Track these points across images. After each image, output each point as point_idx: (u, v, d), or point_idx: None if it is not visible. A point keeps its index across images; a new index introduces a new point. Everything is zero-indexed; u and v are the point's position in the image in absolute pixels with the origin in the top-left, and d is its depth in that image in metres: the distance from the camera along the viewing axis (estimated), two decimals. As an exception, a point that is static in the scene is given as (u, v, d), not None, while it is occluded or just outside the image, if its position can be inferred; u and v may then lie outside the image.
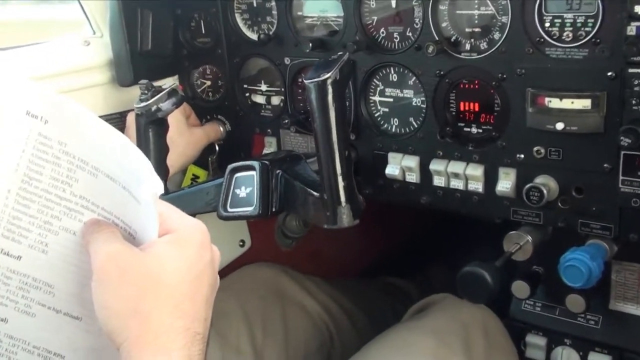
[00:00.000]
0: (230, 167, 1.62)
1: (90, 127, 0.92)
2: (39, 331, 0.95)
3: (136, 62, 1.79)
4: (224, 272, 2.13)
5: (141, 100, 1.67)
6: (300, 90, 1.79)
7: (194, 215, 1.69)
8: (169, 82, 1.77)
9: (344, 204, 1.47)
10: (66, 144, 0.91)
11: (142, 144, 1.64)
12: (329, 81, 1.43)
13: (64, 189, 0.92)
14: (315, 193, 1.51)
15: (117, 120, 1.83)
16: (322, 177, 1.48)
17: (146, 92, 1.68)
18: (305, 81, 1.46)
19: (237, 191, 1.59)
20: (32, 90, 0.90)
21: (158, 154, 1.68)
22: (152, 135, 1.68)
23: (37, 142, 0.91)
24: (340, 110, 1.45)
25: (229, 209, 1.59)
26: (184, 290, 0.88)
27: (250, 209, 1.57)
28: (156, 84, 1.68)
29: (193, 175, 1.98)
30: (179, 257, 0.89)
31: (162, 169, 1.67)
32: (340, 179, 1.47)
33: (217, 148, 1.97)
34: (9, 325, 0.95)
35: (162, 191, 0.91)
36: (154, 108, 1.65)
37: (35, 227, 0.92)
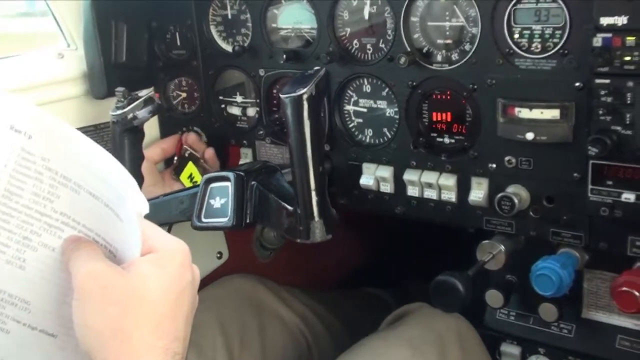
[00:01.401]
0: (205, 177, 1.62)
1: (75, 143, 0.91)
2: (12, 347, 0.94)
3: (110, 74, 1.78)
4: (201, 284, 2.10)
5: (117, 108, 1.68)
6: (275, 102, 1.80)
7: (168, 224, 1.71)
8: (145, 91, 1.77)
9: (317, 218, 1.48)
10: (49, 159, 0.91)
11: (117, 151, 1.64)
12: (305, 96, 1.44)
13: (45, 204, 0.91)
14: (289, 207, 1.51)
15: (92, 132, 1.82)
16: (295, 192, 1.49)
17: (122, 99, 1.68)
18: (281, 96, 1.47)
19: (212, 202, 1.59)
20: (16, 105, 0.89)
21: (133, 162, 1.68)
22: (127, 143, 1.68)
23: (19, 157, 0.90)
24: (315, 125, 1.47)
25: (203, 220, 1.59)
26: (165, 310, 0.88)
27: (224, 219, 1.57)
28: (133, 92, 1.69)
29: (190, 174, 1.96)
30: (161, 277, 0.88)
31: (136, 177, 1.66)
32: (313, 194, 1.48)
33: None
34: None
35: (146, 211, 0.91)
36: (130, 116, 1.65)
37: (14, 243, 0.91)
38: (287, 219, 1.52)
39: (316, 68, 1.60)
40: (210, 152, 1.91)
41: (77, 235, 0.93)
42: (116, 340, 0.84)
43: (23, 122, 0.89)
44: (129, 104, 1.67)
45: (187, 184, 1.91)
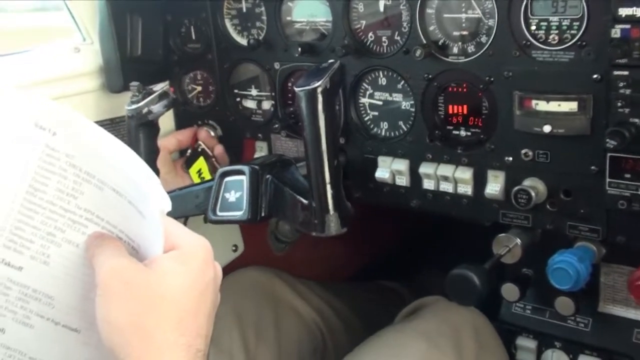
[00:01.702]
0: (220, 171, 1.63)
1: (98, 140, 0.92)
2: (36, 343, 0.95)
3: (126, 68, 1.79)
4: (217, 277, 2.13)
5: (132, 102, 1.69)
6: (290, 95, 1.80)
7: (183, 217, 1.71)
8: (160, 85, 1.78)
9: (331, 212, 1.48)
10: (73, 156, 0.92)
11: (132, 146, 1.64)
12: (319, 89, 1.44)
13: (69, 201, 0.92)
14: (304, 200, 1.51)
15: (108, 126, 1.83)
16: (310, 185, 1.49)
17: (137, 94, 1.69)
18: (295, 89, 1.47)
19: (227, 195, 1.60)
20: (40, 103, 0.91)
21: (148, 156, 1.69)
22: (142, 137, 1.69)
23: (44, 154, 0.91)
24: (330, 118, 1.46)
25: (218, 213, 1.59)
26: (187, 307, 0.88)
27: (239, 213, 1.57)
28: (147, 86, 1.69)
29: (200, 169, 1.97)
30: (183, 274, 0.89)
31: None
32: (328, 187, 1.47)
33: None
34: (6, 336, 0.94)
35: (169, 208, 0.91)
36: (145, 110, 1.66)
37: (38, 238, 0.92)
38: (302, 213, 1.52)
39: (331, 61, 1.59)
40: (220, 149, 1.91)
41: (100, 231, 0.94)
42: (138, 336, 0.84)
43: (47, 119, 0.90)
44: (143, 99, 1.68)
45: (195, 179, 1.91)
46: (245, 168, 1.59)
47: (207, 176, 1.91)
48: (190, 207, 1.64)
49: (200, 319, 0.89)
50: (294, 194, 1.53)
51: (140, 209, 0.93)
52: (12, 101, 0.90)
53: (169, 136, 1.91)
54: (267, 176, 1.58)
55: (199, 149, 1.92)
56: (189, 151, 1.95)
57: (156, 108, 1.67)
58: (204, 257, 0.92)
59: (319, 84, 1.43)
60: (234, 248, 2.21)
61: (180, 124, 2.01)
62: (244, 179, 1.58)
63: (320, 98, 1.43)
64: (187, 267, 0.90)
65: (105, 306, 0.86)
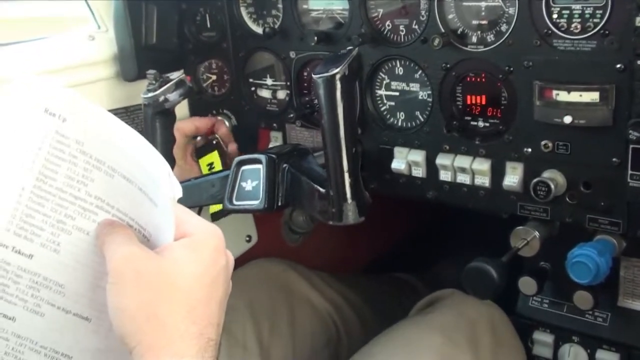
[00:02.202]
0: (236, 159, 1.61)
1: (109, 127, 0.92)
2: (47, 331, 0.94)
3: (141, 56, 1.78)
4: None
5: (149, 91, 1.68)
6: (305, 84, 1.78)
7: (199, 206, 1.70)
8: (177, 73, 1.77)
9: (349, 200, 1.46)
10: (83, 143, 0.91)
11: (148, 134, 1.64)
12: (338, 76, 1.42)
13: (79, 188, 0.92)
14: (321, 189, 1.50)
15: (122, 114, 1.82)
16: (328, 174, 1.47)
17: (154, 82, 1.68)
18: (313, 76, 1.45)
19: (243, 184, 1.58)
20: (51, 89, 0.90)
21: (164, 144, 1.68)
22: (158, 125, 1.68)
23: (53, 141, 0.90)
24: (348, 106, 1.44)
25: (235, 202, 1.58)
26: (198, 295, 0.87)
27: (255, 202, 1.56)
28: (164, 75, 1.68)
29: (212, 163, 1.95)
30: (195, 261, 0.88)
31: (168, 160, 1.66)
32: (346, 175, 1.46)
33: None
34: (16, 324, 0.94)
35: (180, 195, 0.91)
36: (161, 98, 1.66)
37: (48, 226, 0.92)
38: (319, 202, 1.51)
39: (349, 48, 1.57)
40: (234, 146, 1.87)
41: (111, 219, 0.93)
42: (150, 325, 0.84)
43: (57, 106, 0.89)
44: (160, 87, 1.67)
45: (205, 170, 1.89)
46: (262, 157, 1.57)
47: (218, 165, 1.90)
48: (205, 197, 1.63)
49: (212, 307, 0.89)
50: (311, 182, 1.52)
51: (152, 196, 0.92)
52: (23, 87, 0.89)
53: (187, 120, 1.87)
54: (284, 165, 1.56)
55: (214, 142, 1.90)
56: (200, 140, 1.92)
57: (173, 96, 1.66)
58: (216, 245, 0.91)
59: (337, 71, 1.41)
60: (247, 239, 2.20)
61: (194, 114, 2.00)
62: (261, 167, 1.56)
63: (338, 85, 1.41)
64: (199, 254, 0.89)
65: (117, 294, 0.86)
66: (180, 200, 0.95)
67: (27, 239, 0.91)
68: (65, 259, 0.93)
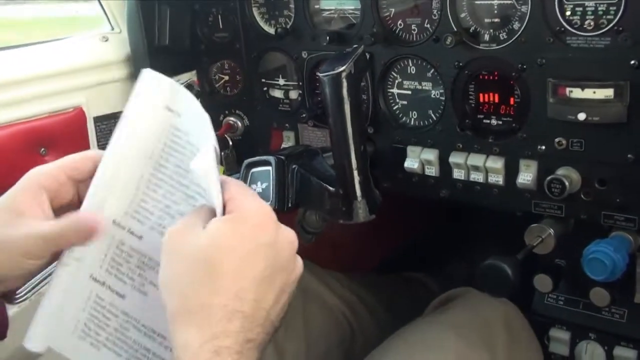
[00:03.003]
0: (246, 162, 1.61)
1: (203, 116, 1.00)
2: (148, 310, 1.01)
3: (154, 57, 1.79)
4: (244, 267, 2.13)
5: None
6: (317, 84, 1.78)
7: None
8: (185, 77, 1.78)
9: (359, 198, 1.46)
10: (190, 134, 1.00)
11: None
12: (344, 74, 1.42)
13: (185, 175, 1.00)
14: (331, 188, 1.50)
15: (136, 116, 1.83)
16: (337, 172, 1.47)
17: None
18: (319, 74, 1.45)
19: (254, 186, 1.59)
20: (171, 87, 1.01)
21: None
22: None
23: (170, 134, 1.01)
24: (355, 103, 1.44)
25: None
26: (226, 268, 0.89)
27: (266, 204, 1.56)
28: (173, 79, 1.68)
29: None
30: (229, 235, 0.90)
31: None
32: (355, 173, 1.46)
33: (230, 142, 1.96)
34: (126, 302, 1.02)
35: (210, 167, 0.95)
36: None
37: (157, 210, 1.01)
38: (329, 200, 1.51)
39: (355, 46, 1.57)
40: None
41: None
42: (174, 297, 0.88)
43: (175, 102, 1.01)
44: None
45: None
46: (271, 158, 1.57)
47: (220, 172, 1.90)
48: None
49: (243, 280, 0.89)
50: (321, 182, 1.52)
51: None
52: (150, 87, 1.01)
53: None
54: (294, 166, 1.57)
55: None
56: None
57: None
58: (258, 222, 0.92)
59: (343, 69, 1.41)
60: (261, 238, 2.20)
61: (207, 113, 2.01)
62: (270, 169, 1.56)
63: (344, 83, 1.41)
64: (236, 229, 0.91)
65: (162, 268, 0.91)
66: None
67: (140, 221, 1.01)
68: None
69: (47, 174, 1.01)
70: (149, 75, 1.02)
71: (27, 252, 0.95)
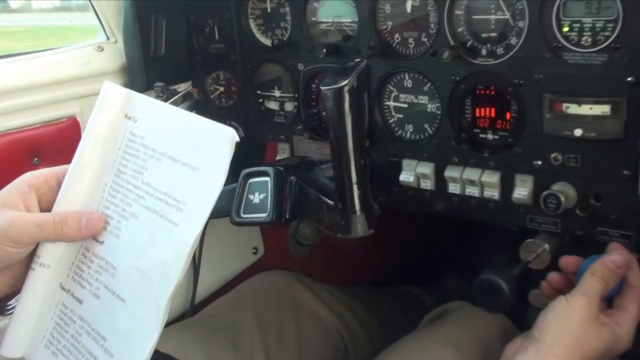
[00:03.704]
0: (244, 172, 1.61)
1: (167, 117, 1.04)
2: (98, 313, 1.03)
3: (149, 67, 1.79)
4: (237, 280, 2.12)
5: None
6: (313, 97, 1.78)
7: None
8: (184, 86, 1.78)
9: (358, 213, 1.46)
10: (145, 137, 1.04)
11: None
12: (346, 88, 1.41)
13: (137, 177, 1.03)
14: (329, 201, 1.49)
15: (131, 125, 1.82)
16: (337, 186, 1.47)
17: (162, 94, 1.70)
18: (322, 88, 1.45)
19: (251, 197, 1.58)
20: (129, 96, 1.07)
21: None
22: None
23: (127, 140, 1.05)
24: (356, 118, 1.44)
25: (243, 215, 1.58)
26: None
27: (263, 215, 1.55)
28: (171, 87, 1.68)
29: None
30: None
31: None
32: (355, 187, 1.45)
33: None
34: (82, 307, 1.04)
35: (237, 138, 0.98)
36: None
37: (116, 215, 1.04)
38: (327, 214, 1.50)
39: (357, 60, 1.57)
40: None
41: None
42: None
43: (133, 109, 1.05)
44: (168, 99, 1.68)
45: None
46: (270, 169, 1.57)
47: None
48: (213, 211, 1.62)
49: None
50: (319, 195, 1.51)
51: (195, 164, 0.99)
52: (111, 98, 1.06)
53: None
54: (292, 177, 1.56)
55: None
56: None
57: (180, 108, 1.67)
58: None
59: (346, 83, 1.41)
60: (254, 251, 2.20)
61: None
62: (269, 180, 1.56)
63: (347, 97, 1.41)
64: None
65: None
66: None
67: (104, 228, 1.04)
68: (121, 243, 1.03)
69: (39, 176, 1.06)
70: (108, 87, 1.07)
71: (7, 237, 0.98)
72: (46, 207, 1.06)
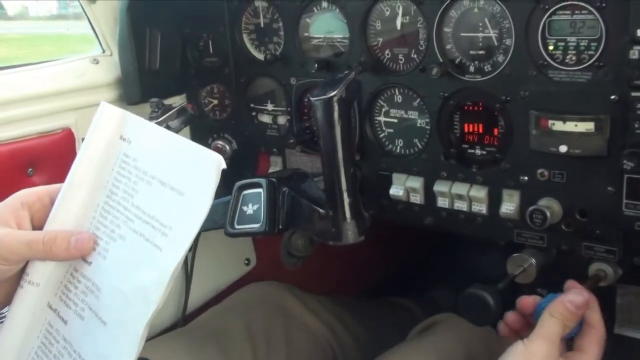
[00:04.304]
0: (237, 184, 1.63)
1: (160, 140, 1.03)
2: (81, 335, 1.03)
3: (144, 80, 1.81)
4: (229, 290, 2.14)
5: (151, 118, 1.71)
6: (306, 110, 1.80)
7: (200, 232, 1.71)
8: (178, 101, 1.80)
9: (349, 220, 1.48)
10: (137, 159, 1.03)
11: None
12: (335, 98, 1.44)
13: (128, 199, 1.03)
14: (321, 210, 1.52)
15: (125, 138, 1.84)
16: (327, 193, 1.49)
17: (156, 110, 1.71)
18: (311, 98, 1.47)
19: (245, 208, 1.60)
20: (124, 117, 1.06)
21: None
22: None
23: (120, 161, 1.04)
24: (346, 127, 1.47)
25: (236, 226, 1.60)
26: None
27: (257, 225, 1.58)
28: (166, 102, 1.70)
29: None
30: None
31: None
32: (345, 195, 1.48)
33: None
34: (67, 327, 1.04)
35: (223, 165, 0.98)
36: (163, 126, 1.67)
37: (105, 236, 1.03)
38: (319, 222, 1.53)
39: (346, 72, 1.60)
40: None
41: None
42: None
43: (128, 131, 1.05)
44: (162, 115, 1.71)
45: None
46: (262, 181, 1.59)
47: None
48: (208, 223, 1.63)
49: None
50: (311, 204, 1.54)
51: (181, 189, 1.00)
52: (106, 120, 1.06)
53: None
54: (284, 188, 1.59)
55: None
56: None
57: (174, 124, 1.70)
58: None
59: (335, 93, 1.44)
60: (246, 262, 2.21)
61: (195, 137, 2.02)
62: (262, 191, 1.58)
63: (336, 106, 1.44)
64: None
65: None
66: None
67: (93, 248, 1.04)
68: (108, 265, 1.02)
69: (32, 194, 1.07)
70: (104, 107, 1.07)
71: None
72: (38, 225, 1.06)
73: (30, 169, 1.68)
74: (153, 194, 1.01)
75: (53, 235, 1.02)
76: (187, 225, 0.98)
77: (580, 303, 1.23)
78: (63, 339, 1.04)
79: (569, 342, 1.33)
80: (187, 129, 2.01)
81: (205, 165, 0.97)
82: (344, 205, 1.48)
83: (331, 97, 1.44)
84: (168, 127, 1.68)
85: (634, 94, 1.27)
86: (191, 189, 0.99)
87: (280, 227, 1.59)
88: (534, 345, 1.17)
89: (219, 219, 1.63)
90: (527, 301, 1.32)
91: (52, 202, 1.06)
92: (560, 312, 1.22)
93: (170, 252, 0.98)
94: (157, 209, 1.00)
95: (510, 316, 1.35)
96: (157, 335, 1.85)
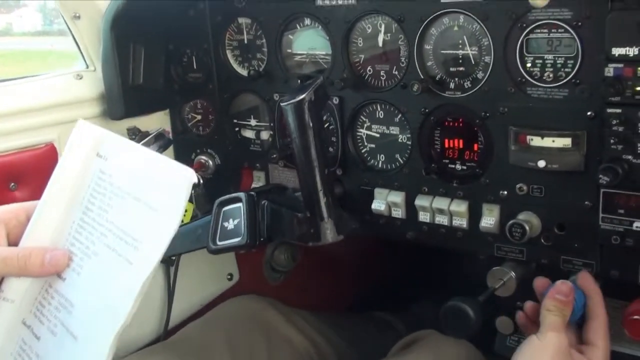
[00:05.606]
0: (217, 201, 1.64)
1: (135, 157, 1.04)
2: (52, 350, 1.02)
3: (127, 96, 1.82)
4: (211, 305, 2.13)
5: None
6: (288, 124, 1.81)
7: (183, 253, 1.72)
8: (155, 127, 1.82)
9: (326, 219, 1.50)
10: (112, 175, 1.04)
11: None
12: (305, 102, 1.46)
13: (102, 215, 1.03)
14: (299, 214, 1.53)
15: (108, 153, 1.84)
16: (303, 195, 1.51)
17: (133, 136, 1.73)
18: (281, 104, 1.49)
19: (225, 224, 1.61)
20: (101, 134, 1.06)
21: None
22: None
23: (96, 178, 1.05)
24: (317, 129, 1.48)
25: (218, 242, 1.60)
26: None
27: (238, 239, 1.58)
28: (144, 125, 1.71)
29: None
30: None
31: None
32: (321, 194, 1.49)
33: (200, 180, 1.98)
34: (39, 344, 1.04)
35: (194, 179, 0.99)
36: None
37: (80, 252, 1.03)
38: (298, 227, 1.54)
39: (314, 77, 1.61)
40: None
41: None
42: None
43: (105, 148, 1.05)
44: (140, 141, 1.72)
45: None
46: (242, 195, 1.60)
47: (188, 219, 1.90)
48: (191, 243, 1.64)
49: None
50: (290, 210, 1.55)
51: (154, 206, 1.00)
52: (83, 137, 1.06)
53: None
54: (263, 201, 1.59)
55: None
56: None
57: (152, 149, 1.70)
58: None
59: (304, 96, 1.46)
60: (229, 277, 2.21)
61: (179, 153, 2.03)
62: (241, 205, 1.59)
63: (306, 109, 1.45)
64: None
65: None
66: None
67: (67, 265, 1.04)
68: (81, 281, 1.03)
69: (8, 211, 1.07)
70: (81, 125, 1.08)
71: None
72: (14, 242, 1.06)
73: (13, 184, 1.68)
74: (127, 209, 1.02)
75: (27, 252, 1.02)
76: (158, 239, 0.98)
77: (567, 290, 1.35)
78: (36, 355, 1.04)
79: (578, 326, 1.41)
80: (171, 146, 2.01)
81: (177, 179, 0.98)
82: (320, 204, 1.49)
83: (301, 100, 1.46)
84: None
85: (609, 110, 1.30)
86: (163, 204, 0.99)
87: (262, 239, 1.60)
88: (546, 337, 1.31)
89: (202, 238, 1.64)
90: (541, 281, 1.43)
91: (28, 219, 1.07)
92: (553, 305, 1.34)
93: (140, 266, 0.98)
94: (130, 224, 1.01)
95: (530, 306, 1.45)
96: (139, 349, 1.84)
